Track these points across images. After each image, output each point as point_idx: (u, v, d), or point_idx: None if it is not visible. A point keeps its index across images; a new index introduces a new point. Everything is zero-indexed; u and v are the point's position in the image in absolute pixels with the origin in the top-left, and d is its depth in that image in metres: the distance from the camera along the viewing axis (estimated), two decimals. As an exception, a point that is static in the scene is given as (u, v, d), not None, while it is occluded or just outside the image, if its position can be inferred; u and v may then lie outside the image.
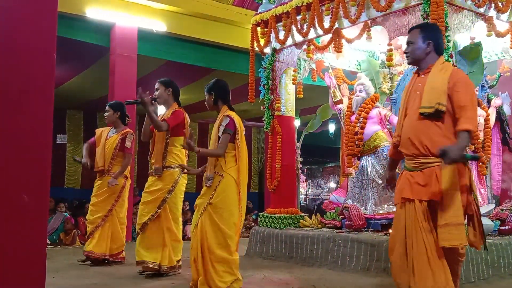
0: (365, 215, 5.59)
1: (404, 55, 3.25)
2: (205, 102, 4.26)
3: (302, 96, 6.50)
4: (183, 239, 5.08)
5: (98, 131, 5.86)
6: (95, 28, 8.07)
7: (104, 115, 5.74)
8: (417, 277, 2.94)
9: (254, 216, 11.41)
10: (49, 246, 7.39)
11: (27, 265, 2.10)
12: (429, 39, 3.16)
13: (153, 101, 4.72)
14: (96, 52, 8.64)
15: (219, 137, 4.05)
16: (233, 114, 4.13)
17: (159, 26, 8.43)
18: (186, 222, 10.17)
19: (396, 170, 3.60)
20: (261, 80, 6.48)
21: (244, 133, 4.17)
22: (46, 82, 2.23)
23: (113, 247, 5.47)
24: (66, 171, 12.85)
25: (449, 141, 2.98)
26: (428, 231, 2.96)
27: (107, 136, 5.69)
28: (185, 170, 4.48)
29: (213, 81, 4.28)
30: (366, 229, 5.55)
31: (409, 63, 3.32)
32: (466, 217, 3.00)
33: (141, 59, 8.39)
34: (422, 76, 3.16)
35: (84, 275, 4.86)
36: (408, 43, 3.22)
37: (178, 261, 4.74)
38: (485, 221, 4.96)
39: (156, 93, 4.85)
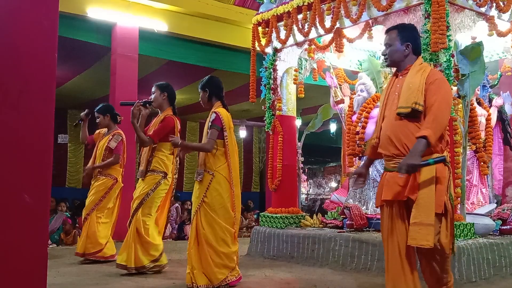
0: (366, 215, 5.59)
1: (383, 58, 3.22)
2: (200, 99, 4.32)
3: (303, 95, 6.50)
4: (183, 238, 5.11)
5: (97, 132, 5.99)
6: (96, 28, 8.08)
7: (97, 121, 5.83)
8: (390, 280, 2.94)
9: (255, 216, 11.42)
10: (50, 246, 7.41)
11: (29, 265, 2.11)
12: (407, 41, 3.11)
13: (147, 105, 4.74)
14: (97, 52, 8.65)
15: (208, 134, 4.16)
16: (221, 110, 4.21)
17: (160, 26, 8.44)
18: (184, 222, 10.19)
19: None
20: (262, 80, 6.48)
21: (233, 130, 4.25)
22: (47, 82, 2.24)
23: (88, 246, 5.50)
24: (67, 171, 12.88)
25: None
26: (403, 233, 2.92)
27: (102, 137, 5.81)
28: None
29: (206, 78, 4.35)
30: (367, 228, 5.55)
31: (387, 66, 3.28)
32: (440, 217, 2.90)
33: (142, 59, 8.40)
34: (400, 77, 3.12)
35: (86, 274, 4.86)
36: (386, 45, 3.17)
37: (154, 260, 4.76)
38: (487, 221, 4.96)
39: (152, 96, 4.88)
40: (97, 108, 5.83)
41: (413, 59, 3.12)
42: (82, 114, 5.78)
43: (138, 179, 4.87)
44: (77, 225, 8.80)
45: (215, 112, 4.17)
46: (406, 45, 3.11)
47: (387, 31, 3.22)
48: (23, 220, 2.10)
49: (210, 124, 4.13)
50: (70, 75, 9.98)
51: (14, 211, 2.08)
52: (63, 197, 10.22)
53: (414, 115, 2.94)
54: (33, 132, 2.17)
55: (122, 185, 5.77)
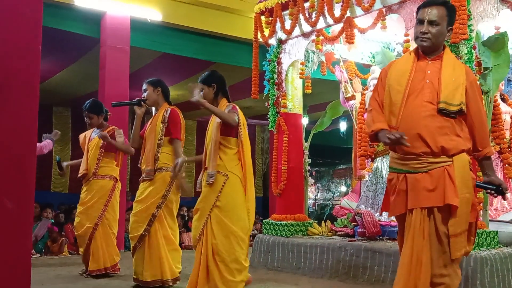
0: (379, 222, 5.58)
1: (420, 36, 2.92)
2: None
3: (310, 91, 6.49)
4: (181, 246, 5.09)
5: (81, 136, 5.80)
6: (84, 18, 8.09)
7: (86, 120, 5.63)
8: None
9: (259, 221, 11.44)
10: (34, 256, 7.41)
11: (10, 277, 2.11)
12: (451, 25, 2.96)
13: (142, 103, 4.73)
14: (85, 43, 8.66)
15: (222, 126, 4.05)
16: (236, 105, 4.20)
17: (153, 15, 8.44)
18: (182, 229, 10.20)
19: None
20: (266, 74, 6.48)
21: (246, 128, 4.20)
22: (30, 77, 2.24)
23: (111, 259, 5.42)
24: (52, 174, 12.88)
25: (462, 140, 2.85)
26: (420, 243, 2.79)
27: (90, 138, 5.64)
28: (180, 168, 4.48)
29: (209, 73, 4.29)
30: (381, 237, 5.54)
31: (423, 48, 2.95)
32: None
33: (134, 51, 8.40)
34: (430, 62, 2.93)
35: (72, 287, 4.86)
36: (432, 22, 2.89)
37: (178, 272, 4.72)
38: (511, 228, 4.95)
39: (145, 94, 4.82)
40: (89, 107, 5.60)
41: (442, 47, 2.97)
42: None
43: (141, 184, 4.78)
44: (63, 233, 8.81)
45: (231, 104, 4.14)
46: (449, 28, 2.96)
47: (429, 4, 2.93)
48: (4, 227, 2.09)
49: (229, 110, 4.06)
50: (56, 69, 9.99)
51: (-6, 218, 2.08)
52: (48, 202, 10.23)
53: (453, 114, 2.82)
54: (14, 132, 2.16)
55: (121, 185, 5.72)
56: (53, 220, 8.93)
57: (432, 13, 2.90)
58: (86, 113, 5.60)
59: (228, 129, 4.07)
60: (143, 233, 4.61)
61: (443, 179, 2.78)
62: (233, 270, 3.94)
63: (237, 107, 4.15)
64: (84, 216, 5.44)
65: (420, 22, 2.95)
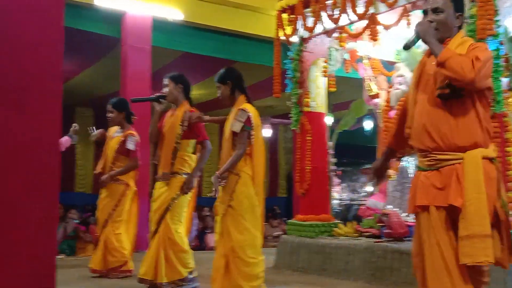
0: (407, 223, 5.53)
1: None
2: (219, 94, 4.27)
3: (334, 89, 6.47)
4: (204, 249, 5.10)
5: (110, 130, 5.89)
6: (105, 18, 8.16)
7: (107, 115, 5.72)
8: None
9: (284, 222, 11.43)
10: (59, 257, 7.51)
11: (36, 277, 2.14)
12: (460, 11, 2.87)
13: (161, 99, 4.71)
14: (106, 43, 8.74)
15: (233, 133, 4.11)
16: (250, 107, 4.19)
17: (175, 14, 8.48)
18: (205, 230, 10.23)
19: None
20: (288, 73, 6.47)
21: (261, 127, 4.23)
22: (53, 78, 2.26)
23: (111, 260, 5.48)
24: (76, 175, 13.04)
25: (474, 130, 2.70)
26: (448, 244, 2.66)
27: (111, 136, 5.74)
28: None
29: (224, 70, 4.32)
30: (408, 238, 5.49)
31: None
32: (492, 227, 2.65)
33: (156, 50, 8.45)
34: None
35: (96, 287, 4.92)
36: (436, 10, 2.83)
37: (190, 273, 4.73)
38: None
39: (165, 89, 4.78)
40: (112, 102, 5.72)
41: (455, 33, 2.87)
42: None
43: (157, 183, 4.83)
44: (87, 233, 8.92)
45: (243, 110, 4.13)
46: (458, 15, 2.86)
47: None
48: (29, 229, 2.13)
49: (241, 124, 4.08)
50: (77, 69, 10.10)
51: (19, 220, 2.12)
52: (72, 203, 10.36)
53: (456, 96, 2.69)
54: (38, 133, 2.20)
55: (135, 189, 5.75)
56: (78, 220, 9.05)
57: (435, 0, 2.85)
58: (108, 107, 5.70)
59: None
60: (154, 232, 4.67)
61: (450, 178, 2.69)
62: (251, 264, 4.02)
63: (251, 112, 4.15)
64: (99, 215, 5.63)
65: (424, 13, 2.91)
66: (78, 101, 12.51)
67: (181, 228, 4.76)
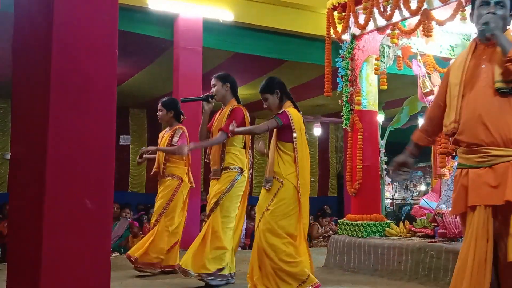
0: (461, 223, 5.40)
1: (478, 24, 2.77)
2: (266, 106, 4.35)
3: (386, 87, 6.37)
4: (245, 248, 5.13)
5: (160, 134, 6.02)
6: (157, 20, 8.30)
7: (157, 114, 5.85)
8: None
9: (334, 222, 11.34)
10: (113, 255, 7.69)
11: (91, 274, 2.20)
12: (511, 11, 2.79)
13: (210, 99, 4.81)
14: (159, 46, 8.89)
15: (277, 132, 4.20)
16: (291, 110, 4.24)
17: (225, 15, 8.55)
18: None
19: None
20: (339, 71, 6.42)
21: (304, 132, 4.26)
22: (108, 80, 2.33)
23: (151, 256, 5.55)
24: (130, 175, 13.33)
25: None
26: (483, 246, 2.61)
27: (162, 136, 5.87)
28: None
29: (268, 81, 4.39)
30: (462, 238, 5.36)
31: (488, 36, 2.74)
32: None
33: (207, 52, 8.54)
34: (486, 47, 2.78)
35: (151, 285, 5.00)
36: (499, 3, 2.75)
37: (220, 270, 4.74)
38: None
39: (213, 89, 4.93)
40: (163, 100, 5.86)
41: (504, 31, 2.78)
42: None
43: (211, 181, 4.90)
44: (141, 231, 9.12)
45: (282, 111, 4.23)
46: (510, 14, 2.79)
47: None
48: (85, 227, 2.19)
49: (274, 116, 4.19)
50: (131, 71, 10.32)
51: (75, 218, 2.18)
52: (126, 202, 10.60)
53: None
54: (94, 134, 2.26)
55: (190, 185, 5.82)
56: (132, 219, 9.25)
57: None
58: (159, 105, 5.81)
59: (286, 134, 4.17)
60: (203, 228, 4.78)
61: (506, 175, 2.60)
62: (283, 265, 4.02)
63: (289, 112, 4.19)
64: (154, 211, 5.71)
65: (485, 3, 2.80)
66: (132, 103, 12.77)
67: (230, 223, 4.81)
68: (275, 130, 4.24)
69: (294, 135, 4.14)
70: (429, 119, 3.12)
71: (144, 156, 5.96)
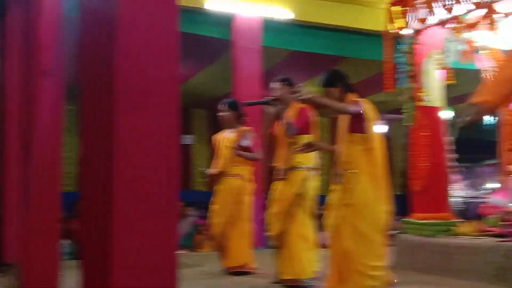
0: (534, 221, 5.20)
1: None
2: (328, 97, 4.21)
3: (453, 82, 6.22)
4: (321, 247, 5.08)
5: (214, 138, 6.02)
6: (215, 21, 8.39)
7: (219, 114, 5.84)
8: None
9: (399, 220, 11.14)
10: (180, 252, 7.83)
11: (158, 272, 2.26)
12: None
13: (272, 102, 4.82)
14: (218, 46, 8.99)
15: (350, 124, 4.01)
16: (363, 100, 4.09)
17: (284, 13, 8.55)
18: (322, 228, 10.22)
19: None
20: (399, 67, 6.30)
21: (375, 123, 4.11)
22: (170, 82, 2.37)
23: (246, 256, 5.56)
24: (193, 173, 13.57)
25: None
26: None
27: (223, 138, 5.84)
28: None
29: (330, 74, 4.25)
30: (535, 237, 5.17)
31: None
32: None
33: (265, 50, 8.56)
34: None
35: (216, 284, 5.08)
36: None
37: (316, 272, 4.73)
38: None
39: (276, 93, 4.92)
40: (225, 101, 5.87)
41: None
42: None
43: (274, 183, 4.88)
44: (205, 229, 9.26)
45: (354, 100, 4.06)
46: None
47: None
48: (152, 225, 2.25)
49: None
50: (191, 72, 10.50)
51: (143, 216, 2.24)
52: (190, 200, 10.78)
53: None
54: (159, 134, 2.31)
55: (253, 185, 5.80)
56: (196, 217, 9.42)
57: None
58: (221, 106, 5.82)
59: (356, 125, 4.00)
60: (280, 232, 4.69)
61: None
62: (366, 269, 3.87)
63: (362, 102, 4.04)
64: (217, 214, 5.66)
65: None
66: (193, 103, 12.98)
67: (312, 224, 4.77)
68: (343, 122, 4.09)
69: (368, 124, 3.97)
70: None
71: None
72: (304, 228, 4.68)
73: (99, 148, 2.38)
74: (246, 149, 5.65)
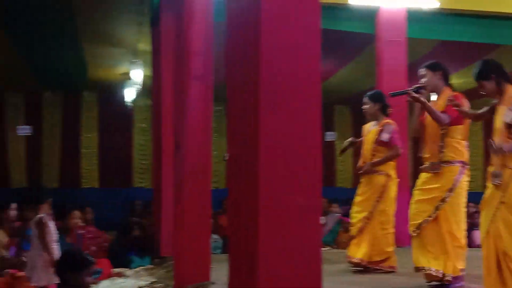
0: None
1: None
2: (483, 92, 3.98)
3: None
4: (471, 246, 4.82)
5: (364, 127, 5.94)
6: (358, 16, 8.28)
7: (362, 107, 5.77)
8: None
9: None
10: (324, 249, 7.86)
11: (303, 267, 2.29)
12: None
13: (420, 90, 4.60)
14: (360, 41, 8.89)
15: (508, 125, 3.74)
16: None
17: (429, 2, 8.21)
18: (473, 227, 9.66)
19: None
20: None
21: None
22: (311, 80, 2.40)
23: (372, 254, 5.46)
24: (336, 170, 13.54)
25: None
26: None
27: (368, 130, 5.76)
28: None
29: (480, 65, 4.00)
30: None
31: None
32: None
33: (410, 42, 8.29)
34: None
35: (355, 281, 5.04)
36: None
37: (462, 271, 4.51)
38: None
39: (423, 80, 4.66)
40: (369, 93, 5.81)
41: None
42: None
43: (422, 174, 4.71)
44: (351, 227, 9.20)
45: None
46: None
47: None
48: (296, 221, 2.29)
49: None
50: (334, 68, 10.48)
51: (287, 213, 2.29)
52: (333, 197, 10.77)
53: None
54: (301, 132, 2.35)
55: (398, 180, 5.67)
56: (340, 214, 9.39)
57: None
58: (364, 99, 5.74)
59: None
60: (421, 223, 4.53)
61: None
62: None
63: None
64: (357, 208, 5.63)
65: None
66: (336, 99, 12.93)
67: (462, 222, 4.56)
68: (499, 118, 3.83)
69: None
70: None
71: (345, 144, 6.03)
72: (450, 224, 4.45)
73: (245, 147, 2.47)
74: (384, 143, 5.54)
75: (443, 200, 4.45)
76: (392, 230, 5.57)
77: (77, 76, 11.36)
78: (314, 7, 2.46)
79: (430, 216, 4.49)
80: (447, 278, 4.44)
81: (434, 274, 4.46)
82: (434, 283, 4.55)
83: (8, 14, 8.07)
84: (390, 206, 5.54)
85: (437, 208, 4.47)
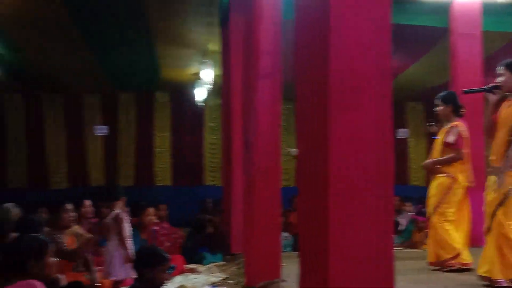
0: None
1: None
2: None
3: None
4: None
5: (441, 131, 5.84)
6: (431, 9, 8.10)
7: (435, 109, 5.67)
8: None
9: None
10: (398, 249, 7.74)
11: (375, 266, 2.27)
12: None
13: (494, 90, 4.41)
14: (433, 35, 8.67)
15: None
16: None
17: (506, -6, 7.90)
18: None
19: None
20: None
21: None
22: (382, 77, 2.36)
23: (439, 253, 5.36)
24: (409, 168, 13.29)
25: None
26: None
27: (441, 132, 5.65)
28: None
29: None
30: None
31: None
32: None
33: (485, 35, 8.01)
34: None
35: (423, 279, 4.99)
36: None
37: None
38: None
39: (499, 79, 4.44)
40: (440, 95, 5.67)
41: None
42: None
43: (489, 177, 4.57)
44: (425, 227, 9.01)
45: None
46: None
47: None
48: (368, 219, 2.27)
49: None
50: (406, 64, 10.26)
51: (358, 210, 2.28)
52: (407, 195, 10.57)
53: None
54: (372, 129, 2.32)
55: (467, 184, 5.50)
56: (413, 212, 9.19)
57: None
58: (436, 100, 5.65)
59: None
60: (487, 228, 4.39)
61: None
62: None
63: None
64: (427, 207, 5.59)
65: None
66: (408, 96, 12.66)
67: None
68: None
69: None
70: None
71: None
72: (504, 228, 4.26)
73: (315, 145, 2.46)
74: (450, 145, 5.42)
75: (500, 204, 4.30)
76: (456, 228, 5.42)
77: (150, 77, 11.71)
78: (384, 2, 2.42)
79: (491, 221, 4.36)
80: (498, 282, 4.28)
81: (486, 278, 4.38)
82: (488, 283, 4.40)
83: (85, 20, 8.42)
84: (451, 209, 5.40)
85: (494, 212, 4.33)
